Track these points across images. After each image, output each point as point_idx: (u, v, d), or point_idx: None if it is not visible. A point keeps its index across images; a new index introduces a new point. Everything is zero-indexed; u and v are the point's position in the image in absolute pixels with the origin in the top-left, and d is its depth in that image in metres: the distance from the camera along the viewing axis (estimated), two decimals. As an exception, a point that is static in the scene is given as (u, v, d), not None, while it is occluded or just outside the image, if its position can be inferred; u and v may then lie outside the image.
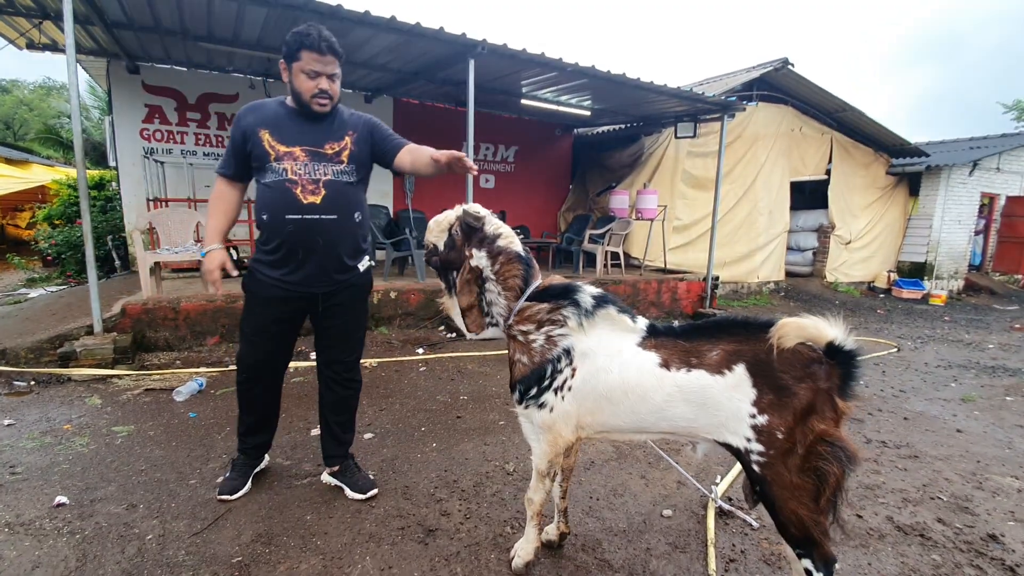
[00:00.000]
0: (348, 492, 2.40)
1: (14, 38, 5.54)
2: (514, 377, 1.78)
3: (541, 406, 1.71)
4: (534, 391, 1.71)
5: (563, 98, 7.57)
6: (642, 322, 1.70)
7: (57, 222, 8.50)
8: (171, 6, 4.78)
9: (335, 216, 2.13)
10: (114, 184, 8.28)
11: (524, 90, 7.17)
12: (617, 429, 1.72)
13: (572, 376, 1.68)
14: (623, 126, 9.43)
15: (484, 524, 2.21)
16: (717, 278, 7.73)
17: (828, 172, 10.23)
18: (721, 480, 2.62)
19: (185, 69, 6.89)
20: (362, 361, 4.46)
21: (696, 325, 1.66)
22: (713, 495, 2.41)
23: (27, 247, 9.86)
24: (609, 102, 7.69)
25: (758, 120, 9.04)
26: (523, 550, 1.90)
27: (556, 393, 1.69)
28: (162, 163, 6.94)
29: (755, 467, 1.48)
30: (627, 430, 1.71)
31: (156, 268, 4.95)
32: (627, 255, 8.31)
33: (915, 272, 11.23)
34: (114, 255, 7.62)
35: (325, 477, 2.50)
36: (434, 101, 8.29)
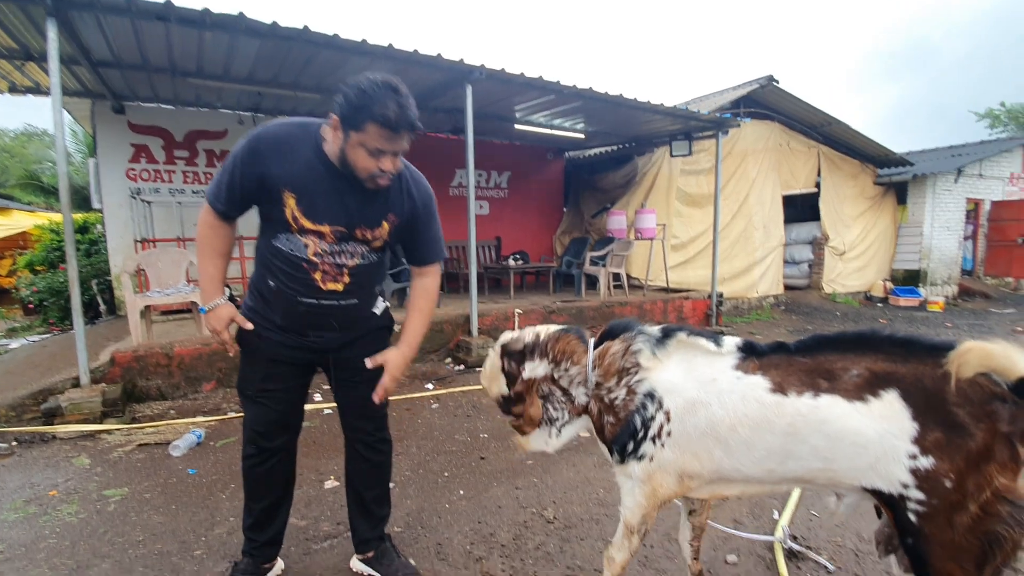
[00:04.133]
0: None
1: (-5, 81, 5.37)
2: (608, 440, 1.60)
3: (640, 458, 1.52)
4: (631, 446, 1.52)
5: (556, 121, 7.54)
6: (730, 342, 1.50)
7: (39, 268, 8.18)
8: (161, 44, 4.64)
9: (356, 301, 1.81)
10: (99, 227, 8.02)
11: (518, 115, 7.12)
12: (736, 475, 1.44)
13: (668, 420, 1.47)
14: (615, 147, 9.43)
15: (534, 585, 1.98)
16: (722, 295, 7.64)
17: (818, 185, 10.31)
18: (780, 516, 2.42)
19: (172, 107, 6.73)
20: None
21: (822, 338, 1.40)
22: (779, 537, 2.20)
23: (8, 296, 9.48)
24: (603, 124, 7.68)
25: (747, 136, 9.10)
26: None
27: (654, 442, 1.49)
28: (150, 203, 6.72)
29: (911, 516, 1.22)
30: (748, 478, 1.43)
31: (146, 312, 4.70)
32: (628, 276, 8.20)
33: (909, 280, 11.27)
34: (99, 300, 7.31)
35: (356, 564, 2.10)
36: (425, 130, 8.20)
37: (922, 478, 1.20)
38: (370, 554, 2.05)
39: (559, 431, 1.74)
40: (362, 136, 1.53)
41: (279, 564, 2.05)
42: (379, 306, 1.96)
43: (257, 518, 1.94)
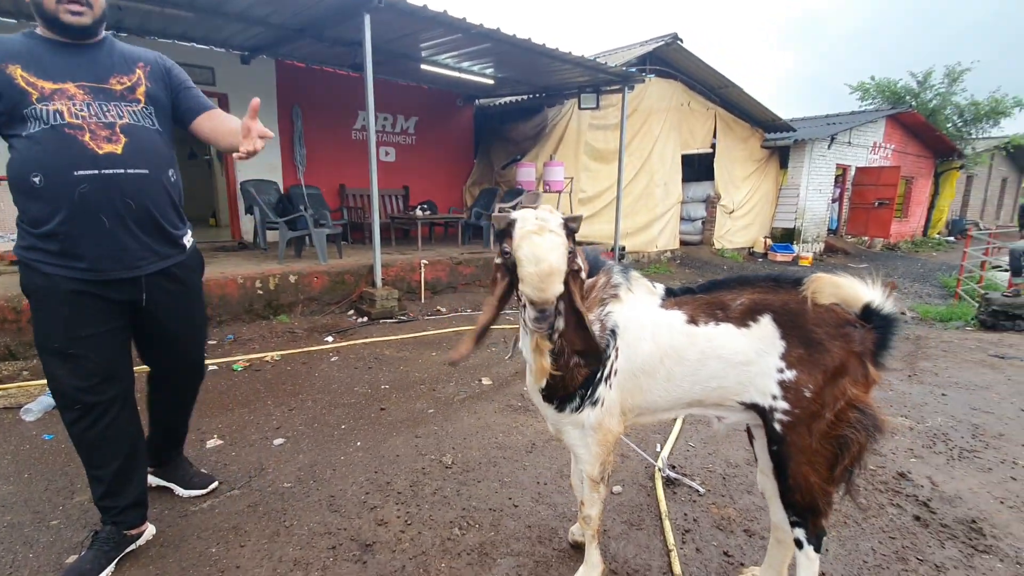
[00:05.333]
0: (180, 491, 2.09)
1: None
2: (575, 383, 1.46)
3: (595, 403, 1.48)
4: (591, 390, 1.48)
5: (465, 64, 7.23)
6: (659, 286, 1.55)
7: None
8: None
9: (146, 171, 1.60)
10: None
11: (424, 54, 6.74)
12: (654, 406, 1.53)
13: (616, 358, 1.47)
14: (526, 97, 9.29)
15: (428, 529, 2.00)
16: (624, 248, 7.96)
17: (713, 146, 10.91)
18: (661, 448, 2.62)
19: (14, 22, 5.57)
20: (263, 355, 4.00)
21: (717, 281, 1.53)
22: (659, 464, 2.38)
23: None
24: (513, 70, 7.48)
25: (652, 94, 9.35)
26: None
27: (607, 383, 1.47)
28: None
29: (776, 425, 1.37)
30: (663, 406, 1.53)
31: (-18, 260, 4.03)
32: (536, 228, 8.26)
33: (786, 237, 12.43)
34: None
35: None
36: (323, 64, 7.53)
37: (787, 389, 1.36)
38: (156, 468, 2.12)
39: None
40: None
41: (149, 529, 1.89)
42: (187, 234, 1.83)
43: (109, 486, 1.73)
